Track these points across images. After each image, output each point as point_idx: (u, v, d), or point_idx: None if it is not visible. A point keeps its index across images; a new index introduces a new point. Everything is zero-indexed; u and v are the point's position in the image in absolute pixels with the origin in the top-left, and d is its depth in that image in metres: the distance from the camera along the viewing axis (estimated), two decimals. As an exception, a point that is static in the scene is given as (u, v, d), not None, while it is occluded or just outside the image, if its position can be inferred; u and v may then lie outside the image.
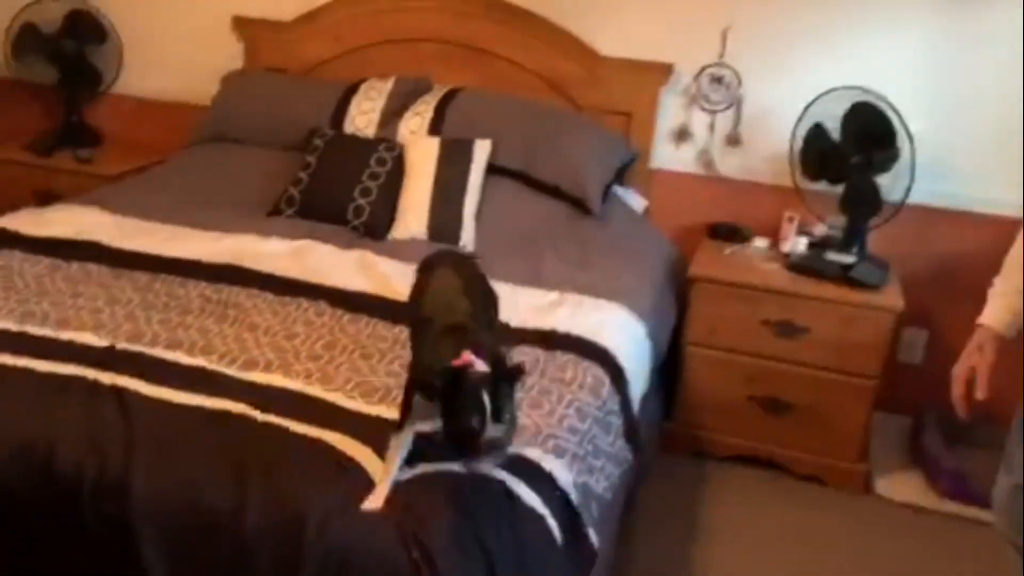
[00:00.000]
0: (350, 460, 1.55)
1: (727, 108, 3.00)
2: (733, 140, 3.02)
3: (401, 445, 1.48)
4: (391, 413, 1.64)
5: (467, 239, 2.66)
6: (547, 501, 1.56)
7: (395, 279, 2.28)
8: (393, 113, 2.93)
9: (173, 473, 1.50)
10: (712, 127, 3.03)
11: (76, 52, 3.42)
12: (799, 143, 2.79)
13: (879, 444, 2.90)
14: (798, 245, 2.83)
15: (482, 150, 2.78)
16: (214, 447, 1.54)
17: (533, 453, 1.63)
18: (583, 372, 1.95)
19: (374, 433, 1.59)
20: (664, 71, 2.98)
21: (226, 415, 1.63)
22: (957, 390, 1.71)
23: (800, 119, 2.79)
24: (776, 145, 2.93)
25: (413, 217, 2.68)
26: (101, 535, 1.47)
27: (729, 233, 2.98)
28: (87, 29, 3.43)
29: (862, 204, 2.73)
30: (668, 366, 2.74)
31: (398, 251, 2.50)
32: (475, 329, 1.53)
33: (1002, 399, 1.74)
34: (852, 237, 2.77)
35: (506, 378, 1.41)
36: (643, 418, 2.24)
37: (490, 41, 3.09)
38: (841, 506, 2.65)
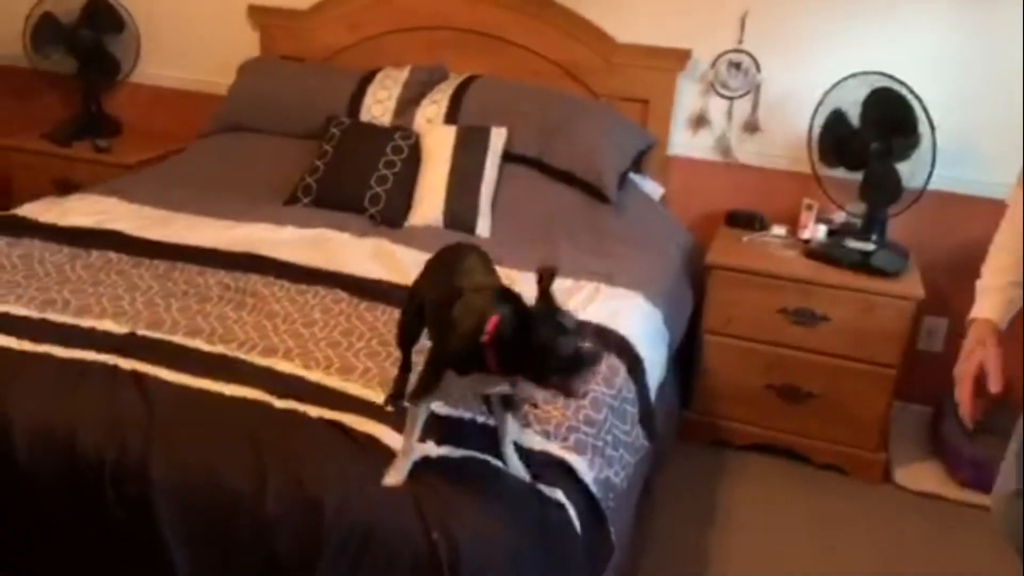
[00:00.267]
0: (369, 439, 1.56)
1: (745, 94, 2.98)
2: (751, 127, 3.00)
3: (417, 418, 1.48)
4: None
5: (483, 227, 2.66)
6: (569, 494, 1.56)
7: (412, 267, 2.26)
8: (409, 101, 2.93)
9: (193, 456, 1.51)
10: (730, 114, 3.01)
11: (94, 42, 3.45)
12: (818, 129, 2.76)
13: (898, 433, 2.88)
14: (817, 232, 2.81)
15: (498, 138, 2.77)
16: (233, 430, 1.56)
17: (555, 449, 1.63)
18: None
19: (391, 416, 1.61)
20: (681, 57, 2.95)
21: (245, 401, 1.64)
22: (964, 390, 1.64)
23: (819, 105, 2.76)
24: (794, 131, 2.90)
25: (429, 205, 2.68)
26: (122, 518, 1.49)
27: (747, 220, 2.96)
28: (105, 18, 3.45)
29: (882, 191, 2.71)
30: (685, 355, 2.74)
31: (414, 239, 2.50)
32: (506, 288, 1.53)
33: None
34: (872, 224, 2.75)
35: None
36: (660, 406, 2.24)
37: (506, 28, 3.08)
38: (860, 495, 2.64)
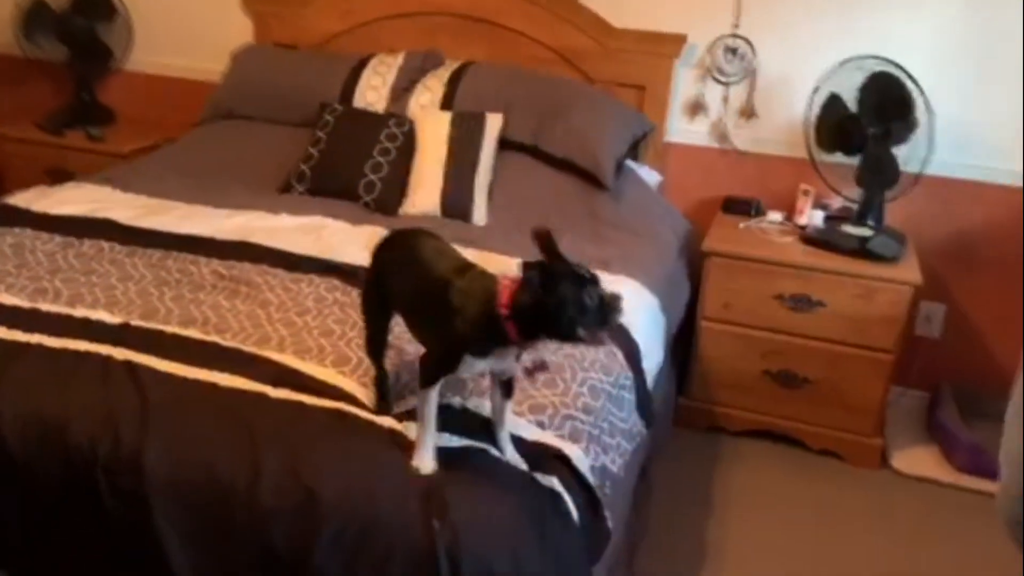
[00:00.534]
0: (370, 426, 1.55)
1: (741, 80, 2.96)
2: (748, 112, 2.98)
3: (429, 402, 1.47)
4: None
5: (479, 214, 2.64)
6: (566, 483, 1.56)
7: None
8: (403, 88, 2.91)
9: (187, 447, 1.50)
10: (726, 99, 3.00)
11: (86, 29, 3.42)
12: (815, 114, 2.75)
13: (895, 418, 2.88)
14: (814, 218, 2.80)
15: (494, 124, 2.75)
16: (228, 421, 1.54)
17: (550, 438, 1.62)
18: (595, 348, 1.94)
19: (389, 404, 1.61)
20: (678, 43, 2.93)
21: (239, 391, 1.63)
22: None
23: (816, 90, 2.75)
24: (791, 117, 2.89)
25: (424, 193, 2.66)
26: (116, 509, 1.48)
27: (744, 207, 2.95)
28: (96, 6, 3.42)
29: (879, 176, 2.70)
30: (682, 341, 2.73)
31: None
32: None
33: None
34: (869, 210, 2.74)
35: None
36: (657, 393, 2.23)
37: (501, 14, 3.05)
38: (857, 481, 2.64)
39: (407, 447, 1.51)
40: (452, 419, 1.58)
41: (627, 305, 2.14)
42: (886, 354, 2.60)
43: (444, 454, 1.51)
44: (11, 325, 1.78)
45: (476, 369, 1.48)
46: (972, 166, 2.81)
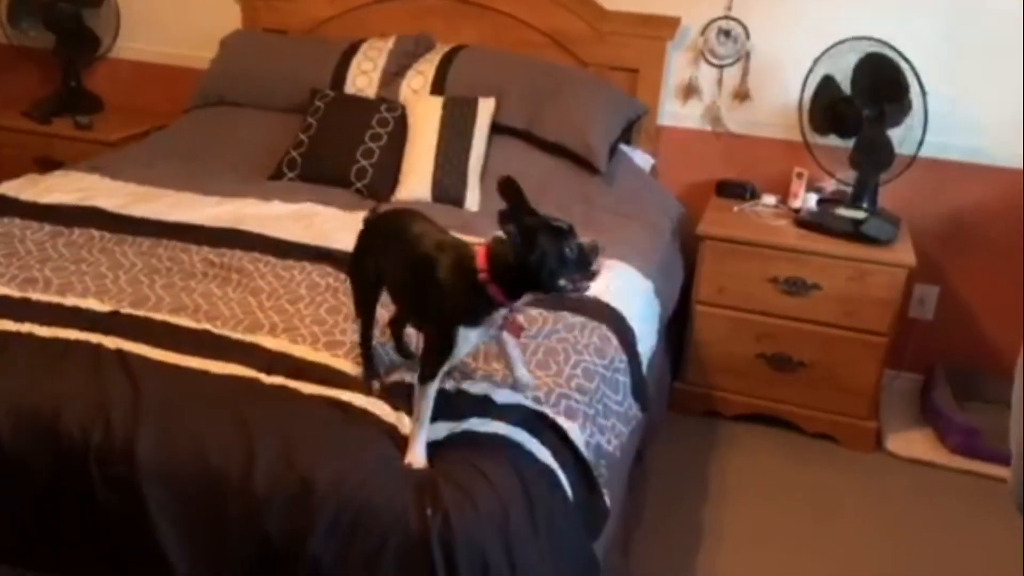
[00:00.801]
0: (364, 414, 1.54)
1: (735, 62, 2.94)
2: (741, 95, 2.97)
3: (430, 396, 1.47)
4: (396, 377, 1.65)
5: (472, 200, 2.63)
6: (560, 461, 1.55)
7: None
8: (394, 73, 2.89)
9: (180, 435, 1.48)
10: (720, 82, 2.98)
11: (72, 16, 3.37)
12: (808, 96, 2.74)
13: (890, 401, 2.89)
14: (808, 201, 2.79)
15: (486, 109, 2.73)
16: (221, 409, 1.53)
17: (547, 411, 1.62)
18: (590, 331, 1.93)
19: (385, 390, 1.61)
20: (671, 25, 2.91)
21: (232, 378, 1.62)
22: None
23: (810, 72, 2.73)
24: (785, 99, 2.88)
25: (416, 178, 2.65)
26: (108, 498, 1.46)
27: (738, 190, 2.94)
28: (83, -8, 3.38)
29: (873, 158, 2.69)
30: (677, 325, 2.72)
31: (402, 213, 2.47)
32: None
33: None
34: (863, 192, 2.73)
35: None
36: (651, 377, 2.23)
37: (492, -3, 3.03)
38: (852, 463, 2.65)
39: (401, 439, 1.50)
40: (444, 404, 1.57)
41: (620, 288, 2.17)
42: (880, 337, 2.60)
43: (434, 443, 1.50)
44: (1, 315, 1.76)
45: (472, 341, 1.48)
46: (966, 148, 2.80)
